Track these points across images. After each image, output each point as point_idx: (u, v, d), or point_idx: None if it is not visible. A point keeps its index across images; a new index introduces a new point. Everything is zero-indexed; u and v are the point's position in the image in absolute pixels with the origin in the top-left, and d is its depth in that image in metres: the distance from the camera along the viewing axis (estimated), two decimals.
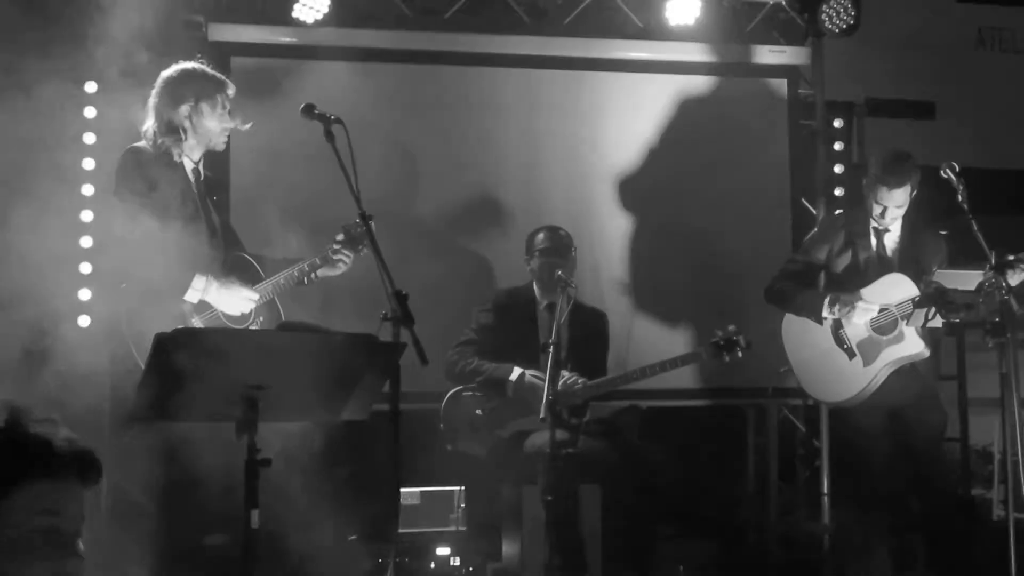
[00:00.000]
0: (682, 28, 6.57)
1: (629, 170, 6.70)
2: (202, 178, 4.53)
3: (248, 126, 4.57)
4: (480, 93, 6.58)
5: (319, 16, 6.13)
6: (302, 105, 4.14)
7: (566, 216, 6.03)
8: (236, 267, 4.48)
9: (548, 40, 6.67)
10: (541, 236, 5.56)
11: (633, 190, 6.69)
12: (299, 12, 6.10)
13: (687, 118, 6.77)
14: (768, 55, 6.91)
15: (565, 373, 5.27)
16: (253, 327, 4.38)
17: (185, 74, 4.45)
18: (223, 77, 4.55)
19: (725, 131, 6.79)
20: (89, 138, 5.95)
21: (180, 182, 4.40)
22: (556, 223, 5.68)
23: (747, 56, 6.89)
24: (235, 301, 4.37)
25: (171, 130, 4.38)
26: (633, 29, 6.79)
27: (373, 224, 4.00)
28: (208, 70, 4.51)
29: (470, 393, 5.40)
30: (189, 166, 4.46)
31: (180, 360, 3.27)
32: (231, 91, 4.51)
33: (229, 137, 4.60)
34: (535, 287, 5.58)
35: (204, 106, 4.40)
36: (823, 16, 6.58)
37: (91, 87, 5.92)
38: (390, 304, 3.65)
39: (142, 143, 4.42)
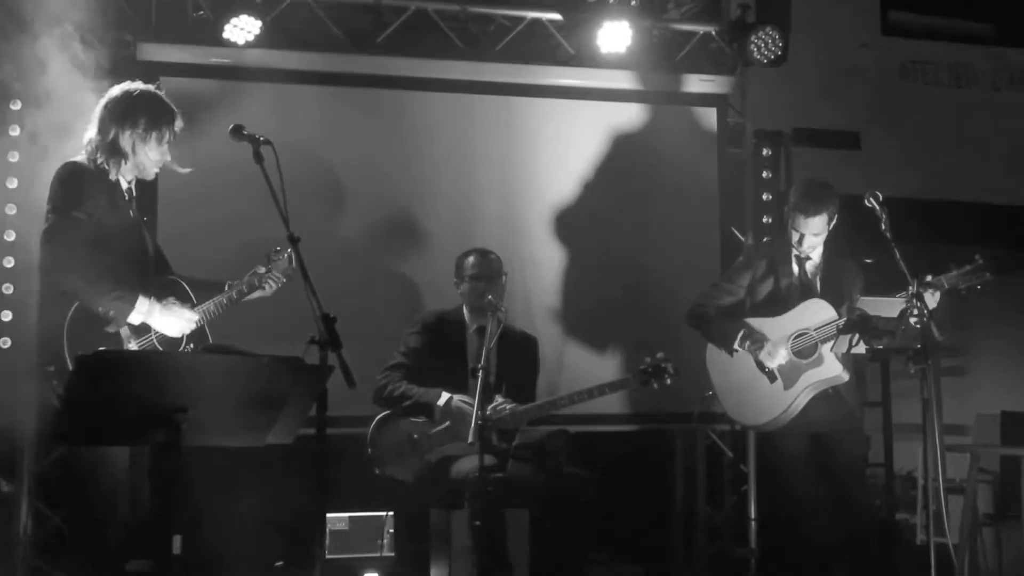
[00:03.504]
0: (613, 56, 6.64)
1: (560, 196, 6.74)
2: (134, 198, 4.40)
3: (186, 170, 4.42)
4: (412, 117, 6.58)
5: (250, 37, 6.10)
6: (231, 126, 4.12)
7: (497, 241, 6.03)
8: (169, 289, 4.34)
9: (480, 65, 6.70)
10: (471, 260, 5.56)
11: (564, 216, 6.73)
12: (230, 33, 6.06)
13: (617, 145, 6.82)
14: (698, 84, 7.00)
15: (498, 398, 5.27)
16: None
17: (141, 97, 4.29)
18: (175, 109, 4.36)
19: (655, 158, 6.85)
20: (12, 156, 5.86)
21: (118, 201, 4.27)
22: (487, 248, 5.68)
23: (677, 85, 6.98)
24: (177, 323, 4.23)
25: (112, 150, 4.23)
26: (565, 56, 6.85)
27: (299, 246, 3.97)
28: (164, 98, 4.35)
29: (399, 418, 5.37)
30: (124, 185, 4.32)
31: (103, 382, 3.23)
32: (179, 125, 4.35)
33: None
34: (464, 311, 5.57)
35: (152, 134, 4.26)
36: (752, 46, 6.69)
37: (16, 105, 5.84)
38: (317, 327, 3.63)
39: (80, 157, 4.26)
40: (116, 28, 5.98)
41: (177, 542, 3.35)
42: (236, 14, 6.03)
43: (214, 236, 5.90)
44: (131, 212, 4.34)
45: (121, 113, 4.25)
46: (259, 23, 6.09)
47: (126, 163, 4.28)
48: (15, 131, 5.87)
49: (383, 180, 6.49)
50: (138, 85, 4.36)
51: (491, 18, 6.83)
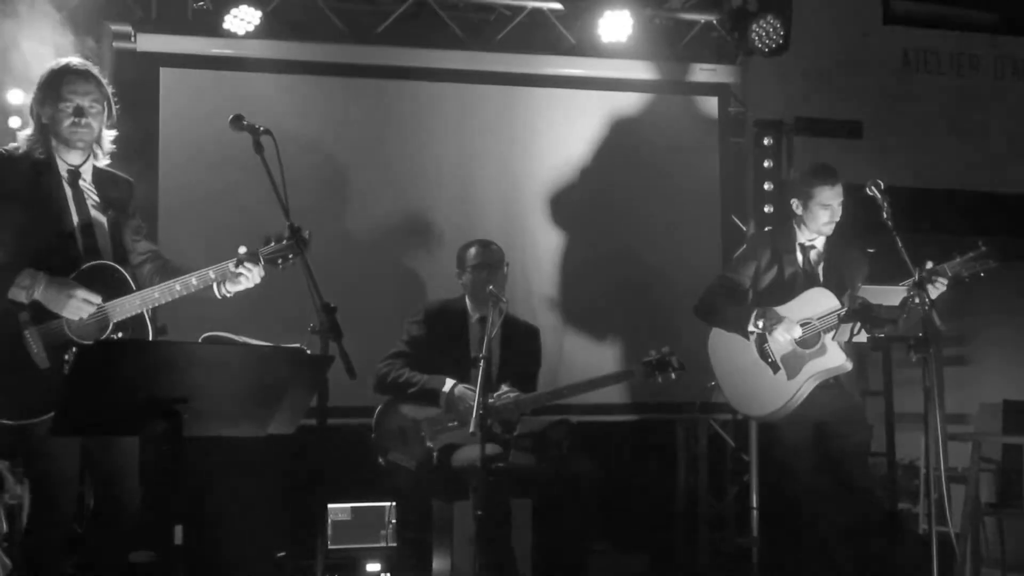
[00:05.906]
0: (615, 45, 6.62)
1: (561, 186, 6.74)
2: (82, 179, 4.19)
3: (113, 133, 4.25)
4: (412, 108, 6.57)
5: (250, 28, 6.10)
6: (231, 116, 4.11)
7: (498, 231, 6.04)
8: (96, 276, 4.10)
9: (481, 55, 6.69)
10: (473, 250, 5.56)
11: (565, 206, 6.72)
12: (230, 23, 6.06)
13: (619, 134, 6.82)
14: (699, 73, 6.99)
15: (504, 387, 5.27)
16: None
17: (44, 72, 4.19)
18: (72, 68, 4.15)
19: (656, 148, 6.85)
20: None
21: (44, 184, 4.10)
22: (488, 238, 5.67)
23: (679, 74, 6.96)
24: (68, 302, 3.96)
25: (37, 128, 4.16)
26: (566, 45, 6.84)
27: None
28: (57, 66, 4.18)
29: (403, 404, 5.37)
30: (63, 167, 4.16)
31: (102, 373, 3.23)
32: (75, 87, 4.12)
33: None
34: (467, 300, 5.57)
35: (49, 106, 4.11)
36: (753, 35, 6.67)
37: (16, 96, 5.83)
38: (318, 317, 3.62)
39: (14, 144, 4.18)
40: (115, 19, 6.00)
41: (179, 533, 3.34)
42: (236, 4, 6.03)
43: (214, 227, 5.89)
44: (65, 192, 4.15)
45: (35, 92, 4.18)
46: (259, 13, 6.09)
47: (53, 142, 4.14)
48: (15, 122, 5.86)
49: (384, 170, 6.49)
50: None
51: (491, 7, 6.82)
